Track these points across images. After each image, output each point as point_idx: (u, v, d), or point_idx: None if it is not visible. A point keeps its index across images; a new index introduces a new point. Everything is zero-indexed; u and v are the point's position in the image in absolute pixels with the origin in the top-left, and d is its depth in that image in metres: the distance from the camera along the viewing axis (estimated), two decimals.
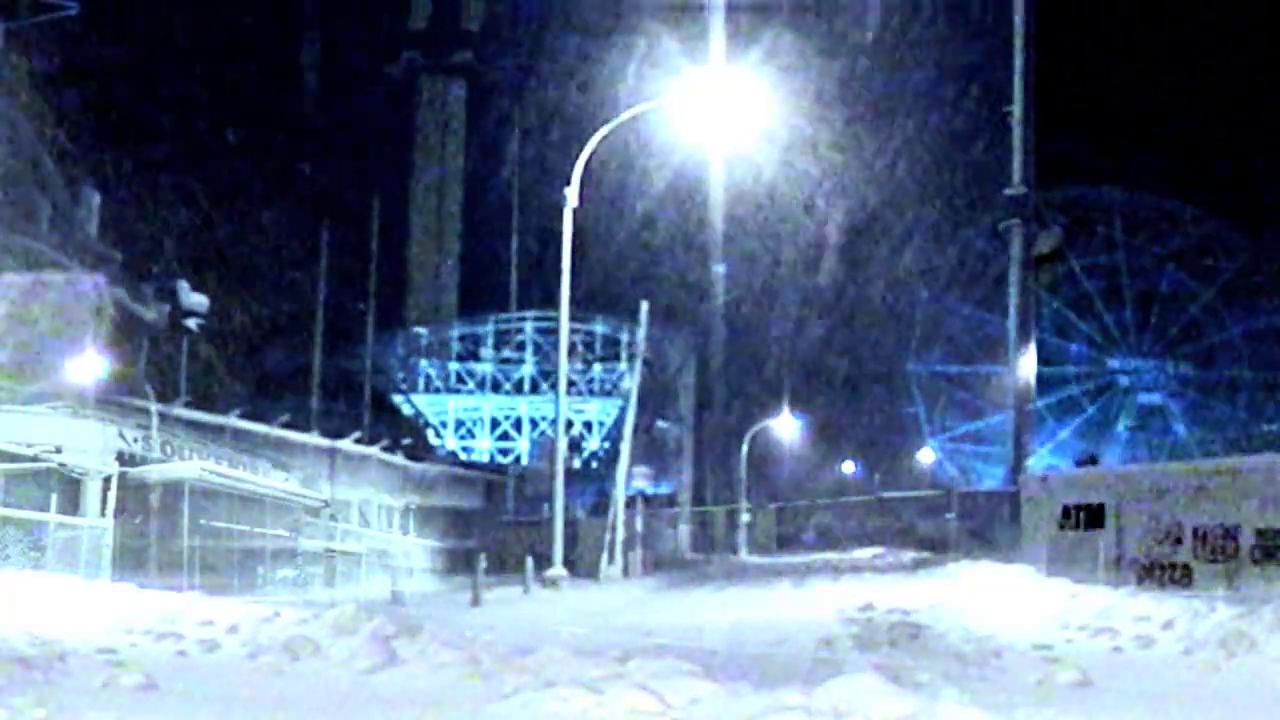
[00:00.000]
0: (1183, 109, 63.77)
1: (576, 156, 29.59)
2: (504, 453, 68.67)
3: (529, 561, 27.40)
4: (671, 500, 56.87)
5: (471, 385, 71.27)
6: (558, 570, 27.88)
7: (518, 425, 70.36)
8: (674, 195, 62.45)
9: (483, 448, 69.91)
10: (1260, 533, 19.33)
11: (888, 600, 18.78)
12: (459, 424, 71.08)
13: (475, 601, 23.59)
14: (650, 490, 45.51)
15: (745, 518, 52.31)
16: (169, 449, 30.14)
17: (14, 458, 22.11)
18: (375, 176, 67.91)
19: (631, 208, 63.16)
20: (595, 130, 29.90)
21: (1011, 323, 47.56)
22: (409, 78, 75.62)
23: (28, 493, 21.55)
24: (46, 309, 32.02)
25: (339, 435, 42.24)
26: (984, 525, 36.52)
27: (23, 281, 32.24)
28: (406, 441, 50.91)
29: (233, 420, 36.75)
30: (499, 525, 48.62)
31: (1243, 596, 17.04)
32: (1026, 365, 47.06)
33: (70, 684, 10.30)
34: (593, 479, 57.94)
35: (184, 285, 43.31)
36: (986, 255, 59.49)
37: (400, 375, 70.27)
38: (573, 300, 31.32)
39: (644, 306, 40.15)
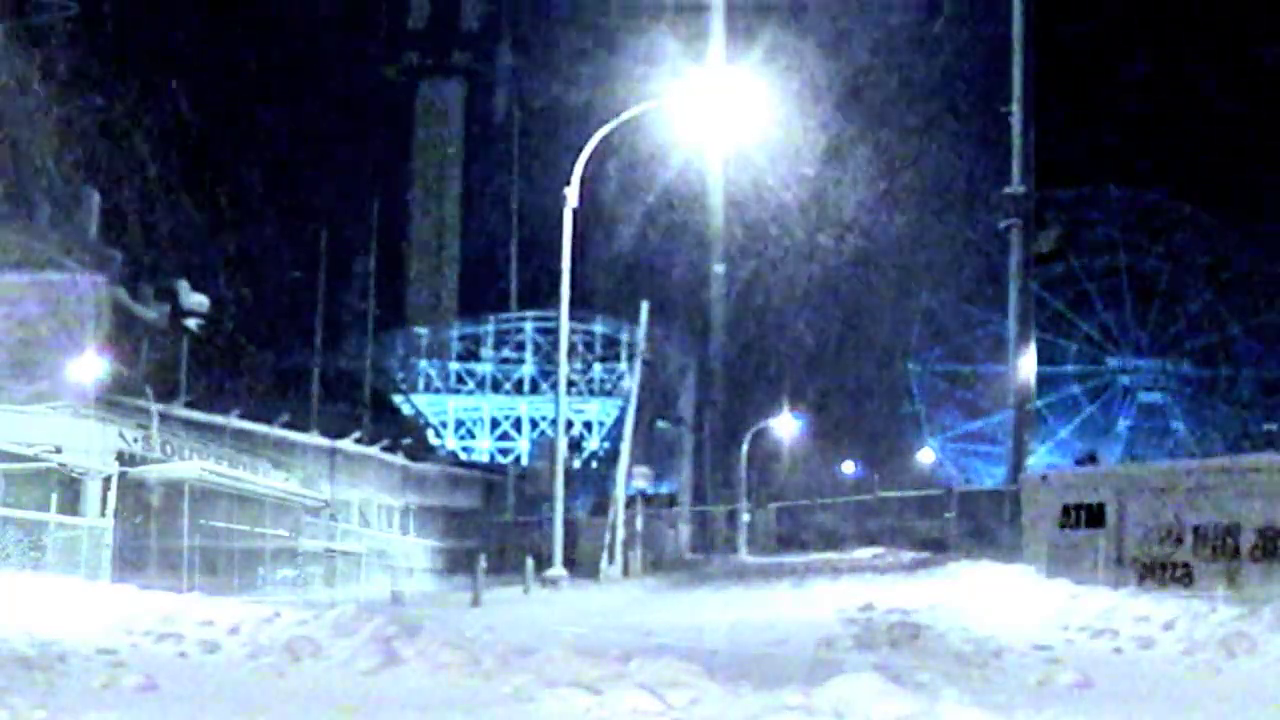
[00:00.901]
0: (1183, 109, 63.77)
1: (576, 156, 29.60)
2: (504, 453, 68.65)
3: (529, 561, 27.41)
4: (671, 500, 56.86)
5: (471, 385, 71.26)
6: (558, 570, 27.89)
7: (518, 425, 70.35)
8: (674, 195, 62.42)
9: (483, 448, 69.91)
10: (1261, 532, 19.32)
11: (888, 600, 18.75)
12: (459, 424, 71.07)
13: (475, 601, 23.58)
14: (650, 490, 45.43)
15: (745, 518, 52.34)
16: (169, 449, 30.16)
17: (14, 458, 22.14)
18: (375, 176, 67.94)
19: (631, 208, 63.12)
20: (595, 130, 29.90)
21: (1011, 323, 47.57)
22: (408, 78, 75.60)
23: (28, 493, 21.56)
24: (46, 309, 32.04)
25: (339, 435, 42.23)
26: (984, 525, 36.49)
27: (23, 281, 32.25)
28: (406, 441, 50.89)
29: (233, 420, 36.74)
30: (499, 525, 48.63)
31: (1243, 596, 17.03)
32: (1026, 365, 47.06)
33: (70, 684, 10.29)
34: (593, 479, 57.94)
35: (184, 285, 43.32)
36: (986, 255, 59.47)
37: (400, 375, 70.26)
38: (573, 300, 31.33)
39: (644, 306, 40.18)
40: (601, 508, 44.84)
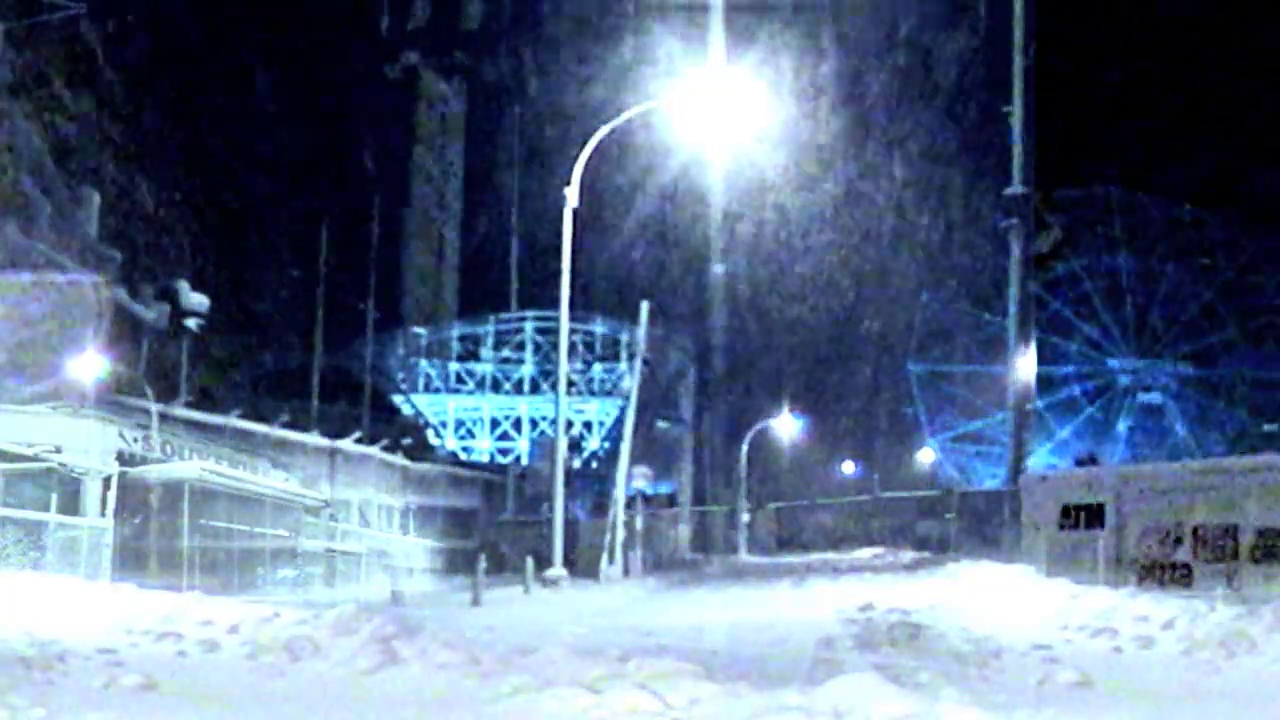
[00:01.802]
0: (1183, 109, 63.78)
1: (576, 156, 29.60)
2: (504, 453, 68.64)
3: (529, 561, 27.38)
4: (671, 500, 56.88)
5: (471, 385, 71.24)
6: (558, 570, 27.86)
7: (518, 425, 70.34)
8: (674, 195, 62.44)
9: (483, 448, 69.89)
10: (1260, 532, 19.34)
11: (887, 600, 18.76)
12: (459, 424, 71.06)
13: (475, 601, 23.57)
14: (650, 490, 45.44)
15: (745, 518, 52.33)
16: (169, 449, 30.19)
17: (14, 458, 22.13)
18: (374, 176, 67.94)
19: (631, 208, 63.15)
20: (595, 130, 29.90)
21: (1011, 323, 47.55)
22: (408, 77, 75.61)
23: (28, 493, 21.57)
24: (46, 309, 32.06)
25: (339, 435, 42.26)
26: (984, 525, 36.46)
27: (23, 281, 32.27)
28: (406, 441, 50.93)
29: (233, 420, 36.77)
30: (499, 525, 48.66)
31: (1243, 596, 17.05)
32: (1026, 365, 47.04)
33: (70, 684, 10.29)
34: (593, 479, 57.95)
35: (184, 285, 43.35)
36: (986, 255, 59.46)
37: (400, 375, 70.24)
38: (573, 300, 31.31)
39: (644, 306, 40.15)
40: (601, 508, 44.86)
